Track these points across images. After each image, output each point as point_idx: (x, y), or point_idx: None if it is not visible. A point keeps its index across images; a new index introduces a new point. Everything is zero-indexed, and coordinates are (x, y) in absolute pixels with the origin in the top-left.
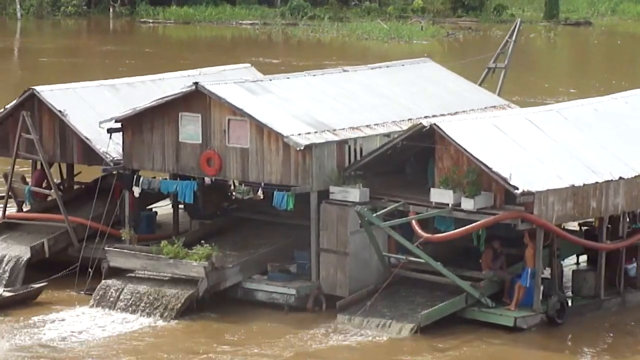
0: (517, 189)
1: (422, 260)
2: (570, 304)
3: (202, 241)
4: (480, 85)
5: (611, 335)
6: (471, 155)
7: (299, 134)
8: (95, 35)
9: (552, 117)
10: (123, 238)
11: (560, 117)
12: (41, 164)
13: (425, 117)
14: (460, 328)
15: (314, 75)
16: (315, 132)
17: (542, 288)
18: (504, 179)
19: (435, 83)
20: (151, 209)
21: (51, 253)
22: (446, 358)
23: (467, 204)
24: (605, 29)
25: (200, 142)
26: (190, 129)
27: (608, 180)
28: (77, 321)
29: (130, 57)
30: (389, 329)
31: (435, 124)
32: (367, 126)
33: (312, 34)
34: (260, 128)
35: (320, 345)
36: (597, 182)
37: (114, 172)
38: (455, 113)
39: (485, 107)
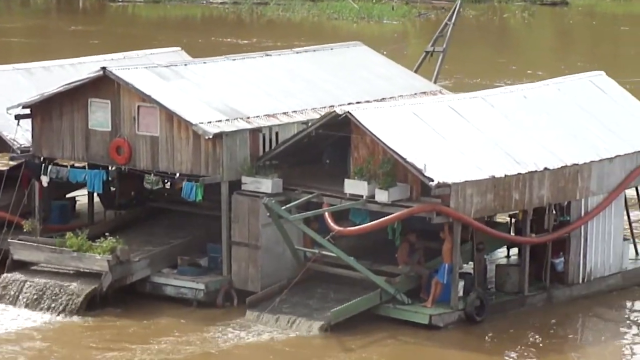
0: (432, 180)
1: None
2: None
3: (107, 233)
4: (417, 69)
5: (534, 333)
6: (385, 145)
7: (209, 122)
8: (65, 14)
9: (477, 105)
10: (25, 229)
11: (486, 104)
12: None
13: (349, 103)
14: (374, 326)
15: (234, 59)
16: (227, 120)
17: (462, 284)
18: (419, 170)
19: (364, 68)
20: (73, 197)
21: None
22: (354, 358)
23: (381, 195)
24: (582, 9)
25: (109, 129)
26: (99, 115)
27: (532, 171)
28: None
29: (97, 37)
30: (298, 327)
31: (349, 112)
32: (285, 113)
33: (282, 14)
34: (169, 115)
35: (226, 343)
36: (519, 173)
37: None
38: (382, 99)
39: (415, 94)
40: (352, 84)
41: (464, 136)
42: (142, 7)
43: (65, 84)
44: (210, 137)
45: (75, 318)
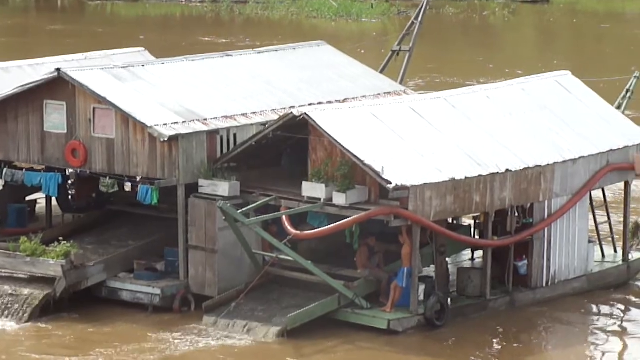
0: (390, 183)
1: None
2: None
3: (62, 238)
4: (383, 69)
5: (496, 338)
6: (343, 147)
7: (165, 124)
8: (44, 13)
9: (439, 106)
10: None
11: (447, 105)
12: None
13: (310, 104)
14: (333, 331)
15: (193, 60)
16: (184, 122)
17: (423, 288)
18: (377, 173)
19: (327, 68)
20: (34, 200)
21: None
22: None
23: (339, 198)
24: (563, 6)
25: (65, 131)
26: (55, 117)
27: (493, 173)
28: None
29: (76, 37)
30: (255, 332)
31: (306, 113)
32: (243, 115)
33: (261, 12)
34: (125, 117)
35: (183, 349)
36: (480, 175)
37: None
38: (345, 100)
39: (379, 94)
40: (314, 85)
41: (424, 138)
42: (121, 6)
43: (20, 86)
44: (166, 139)
45: (29, 325)
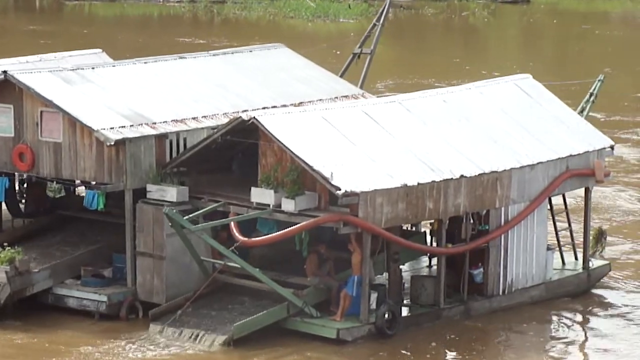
0: (339, 189)
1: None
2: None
3: (6, 244)
4: (344, 72)
5: (446, 348)
6: (292, 152)
7: (112, 128)
8: (22, 13)
9: (394, 110)
10: None
11: (402, 109)
12: None
13: (264, 107)
14: (281, 340)
15: (145, 62)
16: (132, 126)
17: (375, 296)
18: (325, 179)
19: (284, 71)
20: None
21: None
22: None
23: (288, 204)
24: (544, 6)
25: (12, 135)
26: (2, 121)
27: (447, 179)
28: None
29: (54, 37)
30: (201, 341)
31: (255, 117)
32: (194, 119)
33: (239, 12)
34: (72, 121)
35: (127, 357)
36: (434, 181)
37: None
38: (300, 104)
39: (336, 97)
40: (269, 88)
41: (376, 143)
42: (99, 6)
43: None
44: (112, 143)
45: None
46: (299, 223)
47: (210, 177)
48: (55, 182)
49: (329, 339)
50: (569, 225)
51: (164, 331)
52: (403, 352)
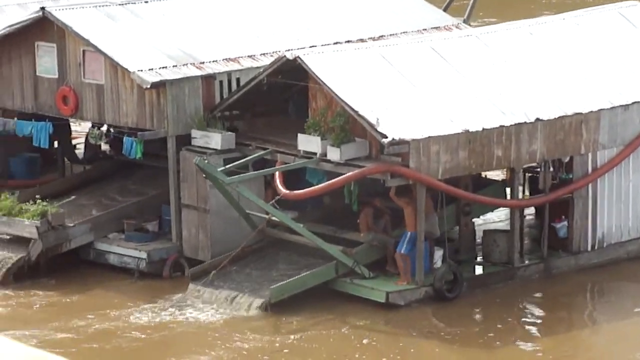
0: (386, 136)
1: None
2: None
3: (37, 196)
4: (450, 1)
5: (519, 313)
6: (336, 94)
7: (150, 69)
8: None
9: (469, 45)
10: None
11: (480, 44)
12: None
13: (336, 43)
14: (326, 303)
15: None
16: (175, 66)
17: (441, 254)
18: (371, 125)
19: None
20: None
21: None
22: (285, 344)
23: (333, 153)
24: None
25: (57, 76)
26: (46, 61)
27: (519, 123)
28: None
29: None
30: (238, 304)
31: (299, 56)
32: (250, 56)
33: None
34: (114, 62)
35: (146, 321)
36: (502, 126)
37: None
38: (380, 37)
39: (425, 29)
40: (344, 20)
41: (440, 83)
42: None
43: (7, 26)
44: (148, 86)
45: None
46: (345, 174)
47: (266, 120)
48: (96, 128)
49: (381, 303)
50: None
51: (202, 292)
52: (464, 318)
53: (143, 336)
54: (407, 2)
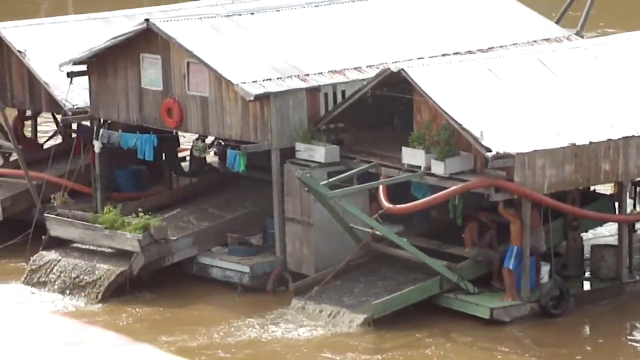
0: (490, 150)
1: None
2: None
3: (140, 209)
4: (564, 12)
5: (626, 331)
6: (440, 107)
7: (254, 81)
8: None
9: (577, 57)
10: (54, 204)
11: (588, 56)
12: (17, 111)
13: (444, 55)
14: (430, 319)
15: (317, 5)
16: (279, 78)
17: (548, 269)
18: (475, 138)
19: (478, 11)
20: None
21: (10, 215)
22: None
23: (437, 167)
24: None
25: (161, 88)
26: (151, 73)
27: (627, 137)
28: None
29: None
30: (340, 320)
31: (403, 69)
32: (356, 68)
33: None
34: (218, 74)
35: (249, 337)
36: (610, 139)
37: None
38: (489, 49)
39: (535, 41)
40: (454, 32)
41: (547, 96)
42: None
43: (112, 38)
44: (252, 98)
45: (98, 305)
46: (448, 188)
47: (372, 133)
48: (200, 140)
49: (485, 319)
50: None
51: (306, 307)
52: (570, 335)
53: (245, 352)
54: (518, 14)
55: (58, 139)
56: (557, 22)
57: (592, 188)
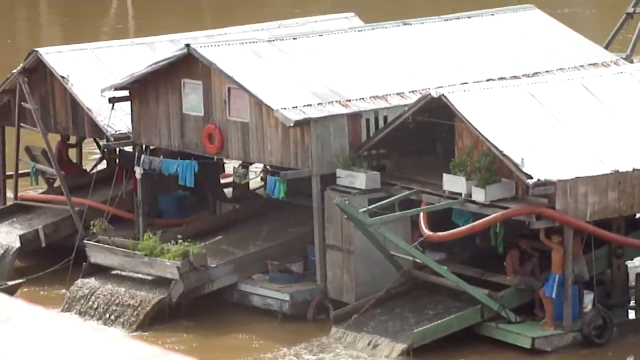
0: (531, 177)
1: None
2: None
3: (179, 236)
4: (614, 35)
5: None
6: (480, 133)
7: (294, 107)
8: None
9: (622, 82)
10: (94, 230)
11: (633, 81)
12: (61, 136)
13: (488, 80)
14: (470, 348)
15: (361, 30)
16: (319, 104)
17: (591, 298)
18: (515, 165)
19: (524, 36)
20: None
21: (52, 241)
22: None
23: (478, 194)
24: None
25: (202, 114)
26: (193, 98)
27: None
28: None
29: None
30: (379, 349)
31: (443, 94)
32: (399, 94)
33: None
34: (258, 100)
35: None
36: None
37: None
38: (535, 74)
39: (581, 65)
40: (499, 57)
41: (590, 122)
42: None
43: (154, 63)
44: (292, 124)
45: (136, 333)
46: (488, 215)
47: (413, 159)
48: (240, 167)
49: (526, 348)
50: None
51: (345, 336)
52: None
53: None
54: (564, 39)
55: (104, 165)
56: (607, 46)
57: (637, 215)
